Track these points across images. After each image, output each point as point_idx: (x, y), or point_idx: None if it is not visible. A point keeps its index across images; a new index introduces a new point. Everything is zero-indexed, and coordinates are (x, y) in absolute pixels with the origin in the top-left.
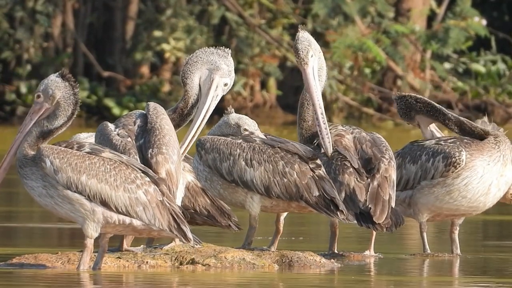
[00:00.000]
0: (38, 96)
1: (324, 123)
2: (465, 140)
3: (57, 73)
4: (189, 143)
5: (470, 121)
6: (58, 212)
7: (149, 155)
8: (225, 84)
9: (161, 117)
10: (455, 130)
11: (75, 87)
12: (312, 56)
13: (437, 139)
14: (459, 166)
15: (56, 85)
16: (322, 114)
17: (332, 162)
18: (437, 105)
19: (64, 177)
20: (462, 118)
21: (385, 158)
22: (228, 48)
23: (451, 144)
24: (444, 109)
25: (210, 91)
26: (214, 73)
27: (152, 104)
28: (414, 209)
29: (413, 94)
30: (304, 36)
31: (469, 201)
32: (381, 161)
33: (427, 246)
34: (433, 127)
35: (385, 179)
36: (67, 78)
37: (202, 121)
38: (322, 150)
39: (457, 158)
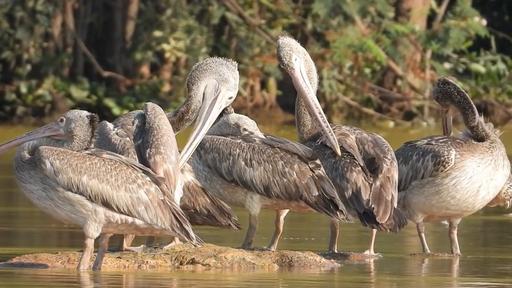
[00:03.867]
0: (61, 120)
1: (325, 122)
2: (457, 140)
3: (90, 114)
4: (190, 152)
5: (483, 124)
6: (59, 214)
7: (147, 155)
8: (230, 97)
9: (159, 117)
10: (469, 128)
11: (95, 137)
12: (296, 59)
13: (429, 139)
14: (448, 165)
15: (80, 123)
16: (320, 114)
17: (341, 159)
18: (472, 103)
19: (65, 178)
20: (481, 121)
21: (387, 158)
22: (236, 62)
23: (442, 144)
24: (476, 109)
25: (216, 102)
26: (221, 85)
27: (150, 104)
28: (409, 210)
29: (456, 85)
30: (285, 42)
31: (458, 201)
32: (383, 162)
33: (426, 246)
34: None
35: (387, 180)
36: (94, 125)
37: (203, 131)
38: (325, 150)
39: (446, 157)
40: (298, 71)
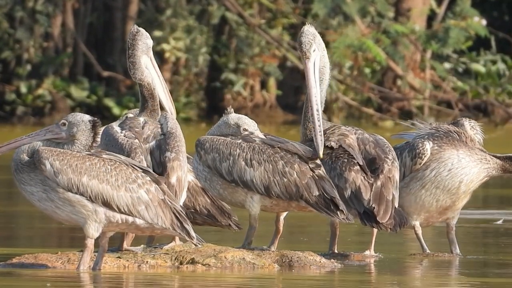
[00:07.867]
0: (63, 124)
1: (318, 120)
2: (436, 135)
3: (92, 119)
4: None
5: None
6: (59, 215)
7: (167, 158)
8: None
9: (180, 129)
10: None
11: (96, 141)
12: (314, 50)
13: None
14: (424, 156)
15: (83, 128)
16: (317, 111)
17: (339, 158)
18: None
19: (65, 178)
20: None
21: (389, 158)
22: (135, 25)
23: (417, 138)
24: None
25: (157, 70)
26: (149, 53)
27: (169, 113)
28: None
29: None
30: (310, 31)
31: (444, 190)
32: (384, 162)
33: (425, 246)
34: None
35: (388, 180)
36: (96, 131)
37: (165, 85)
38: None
39: (420, 148)
40: (312, 62)
